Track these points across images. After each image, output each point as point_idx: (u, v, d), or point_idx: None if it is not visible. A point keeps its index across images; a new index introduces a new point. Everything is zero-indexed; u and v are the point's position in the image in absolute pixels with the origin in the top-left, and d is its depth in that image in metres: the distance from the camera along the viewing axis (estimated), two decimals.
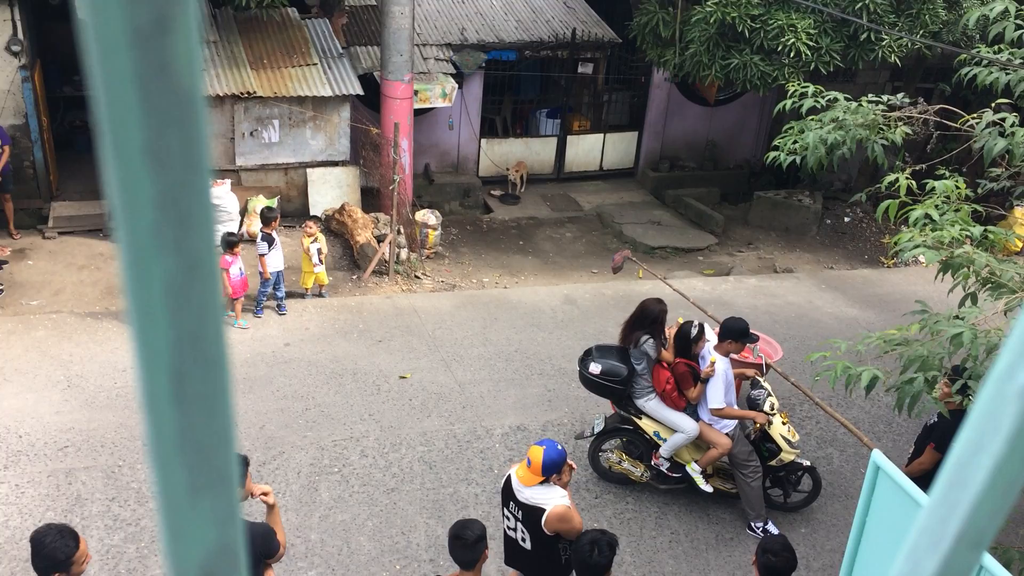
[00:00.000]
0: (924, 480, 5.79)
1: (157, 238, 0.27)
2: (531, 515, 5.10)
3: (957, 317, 4.75)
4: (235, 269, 9.26)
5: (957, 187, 5.42)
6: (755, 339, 7.13)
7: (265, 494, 4.47)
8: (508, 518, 5.26)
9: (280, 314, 9.84)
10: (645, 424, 6.98)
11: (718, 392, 6.64)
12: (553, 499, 5.08)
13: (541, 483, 5.08)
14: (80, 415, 7.74)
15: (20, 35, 11.03)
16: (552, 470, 5.03)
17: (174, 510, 0.31)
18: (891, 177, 5.55)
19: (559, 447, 5.15)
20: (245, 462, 4.43)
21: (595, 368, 6.91)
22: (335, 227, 11.77)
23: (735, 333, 6.67)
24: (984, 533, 0.41)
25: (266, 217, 9.63)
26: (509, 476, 5.21)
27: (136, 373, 0.30)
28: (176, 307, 0.28)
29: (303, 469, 7.23)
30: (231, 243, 9.23)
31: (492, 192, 14.54)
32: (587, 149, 15.52)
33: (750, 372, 7.36)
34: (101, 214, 11.66)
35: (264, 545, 4.31)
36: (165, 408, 0.29)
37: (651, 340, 6.71)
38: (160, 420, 0.30)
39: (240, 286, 9.37)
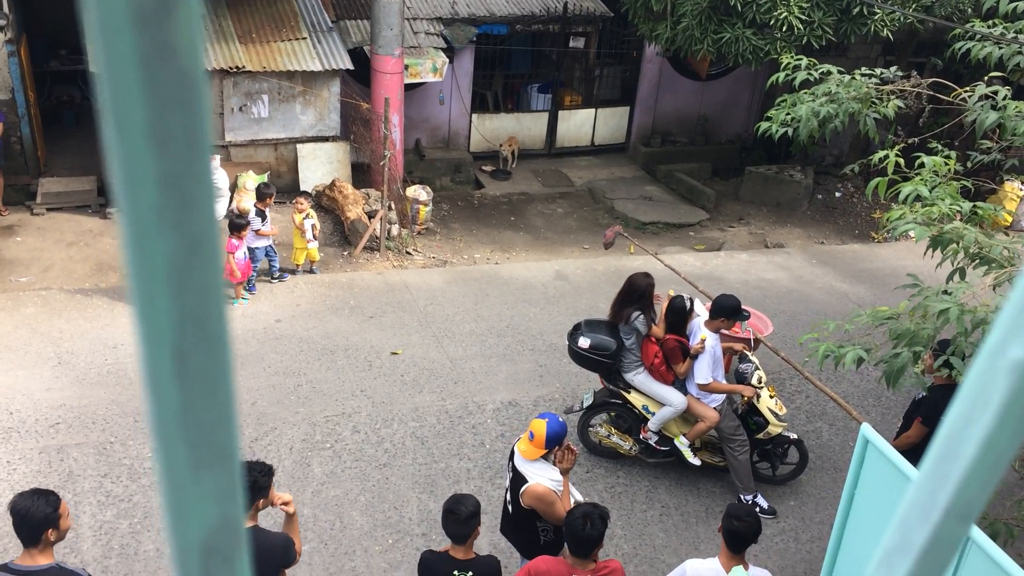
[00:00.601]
0: (912, 453, 5.85)
1: (159, 218, 0.27)
2: (517, 484, 5.22)
3: (945, 292, 4.78)
4: (240, 253, 9.23)
5: (946, 162, 5.43)
6: (746, 316, 7.16)
7: (286, 503, 4.47)
8: (506, 487, 5.42)
9: (281, 281, 9.86)
10: (634, 398, 7.03)
11: (705, 368, 6.68)
12: (542, 478, 5.13)
13: (542, 458, 5.14)
14: (71, 392, 7.74)
15: (5, 9, 10.89)
16: (555, 442, 5.12)
17: (176, 486, 0.32)
18: (881, 154, 5.55)
19: (560, 419, 5.25)
20: (270, 472, 4.43)
21: (584, 342, 6.94)
22: (325, 203, 11.72)
23: (727, 311, 6.69)
24: (973, 505, 0.41)
25: (262, 193, 9.59)
26: (514, 448, 5.30)
27: (138, 351, 0.30)
28: (178, 286, 0.28)
29: (295, 445, 7.26)
30: (239, 226, 9.16)
31: (483, 167, 14.49)
32: (579, 124, 15.46)
33: (738, 346, 7.39)
34: (89, 190, 11.58)
35: (284, 556, 4.34)
36: (167, 386, 0.30)
37: (641, 316, 6.74)
38: (162, 398, 0.30)
39: (245, 269, 9.36)
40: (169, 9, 0.25)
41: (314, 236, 10.00)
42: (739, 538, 4.53)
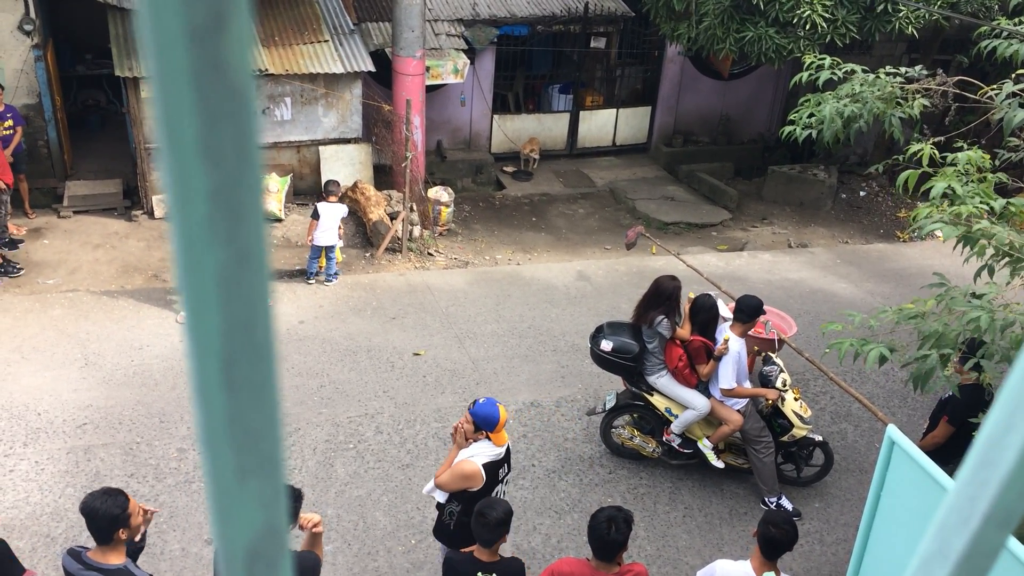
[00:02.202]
0: (937, 454, 5.79)
1: (210, 230, 0.28)
2: (508, 457, 5.31)
3: (974, 295, 4.72)
4: None
5: (982, 158, 5.37)
6: (762, 312, 7.10)
7: (315, 525, 4.47)
8: (504, 484, 5.41)
9: (329, 283, 10.07)
10: (656, 400, 7.00)
11: (729, 372, 6.63)
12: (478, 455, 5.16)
13: (486, 438, 5.16)
14: (98, 393, 7.82)
15: (32, 14, 11.03)
16: (485, 424, 5.15)
17: (223, 493, 0.32)
18: (914, 147, 5.49)
19: (480, 401, 5.22)
20: (299, 497, 4.44)
21: (606, 345, 6.92)
22: (348, 204, 11.77)
23: (749, 311, 6.65)
24: (1013, 513, 0.41)
25: (329, 189, 9.71)
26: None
27: (188, 360, 0.31)
28: (227, 296, 0.29)
29: (319, 445, 7.29)
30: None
31: (505, 168, 14.51)
32: (600, 124, 15.43)
33: (762, 346, 7.32)
34: (115, 193, 11.71)
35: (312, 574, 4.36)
36: (215, 394, 0.30)
37: (665, 320, 6.71)
38: (210, 405, 0.30)
39: None
40: (222, 26, 0.25)
41: (339, 236, 10.09)
42: (775, 545, 4.50)
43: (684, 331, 6.88)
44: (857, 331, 5.39)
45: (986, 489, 0.40)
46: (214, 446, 0.31)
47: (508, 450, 5.34)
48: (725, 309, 7.24)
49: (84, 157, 12.70)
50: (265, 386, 0.30)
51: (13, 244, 10.41)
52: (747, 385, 6.86)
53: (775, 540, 4.49)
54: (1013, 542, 3.46)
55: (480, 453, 5.10)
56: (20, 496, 6.55)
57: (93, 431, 7.33)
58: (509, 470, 5.41)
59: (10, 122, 10.59)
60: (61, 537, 6.17)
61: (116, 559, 4.09)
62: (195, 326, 0.29)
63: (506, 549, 4.90)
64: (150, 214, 11.34)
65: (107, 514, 4.00)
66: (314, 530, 4.44)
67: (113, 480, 6.79)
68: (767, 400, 6.87)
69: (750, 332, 6.92)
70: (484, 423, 5.11)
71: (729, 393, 6.69)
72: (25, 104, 11.36)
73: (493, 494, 5.14)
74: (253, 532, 0.32)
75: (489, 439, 5.15)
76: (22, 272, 9.90)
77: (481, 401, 5.21)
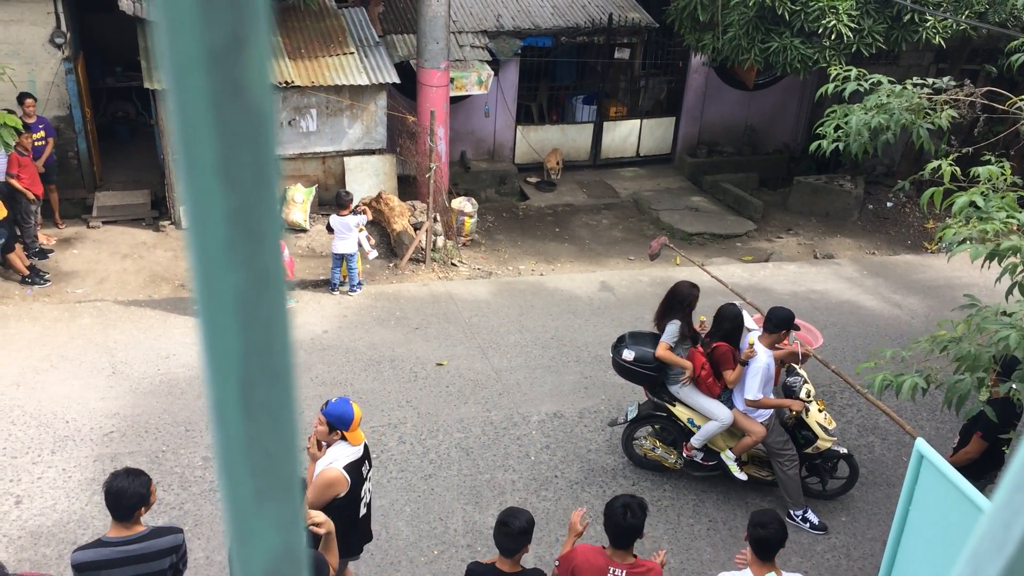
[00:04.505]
0: (969, 469, 5.70)
1: (229, 253, 0.27)
2: (368, 454, 5.15)
3: (1004, 313, 4.65)
4: (286, 252, 9.44)
5: (1003, 172, 5.30)
6: (796, 328, 7.02)
7: (318, 525, 4.51)
8: (369, 483, 5.24)
9: (352, 292, 10.10)
10: (679, 411, 6.95)
11: (757, 384, 6.56)
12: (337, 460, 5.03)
13: (342, 439, 5.01)
14: (125, 401, 7.89)
15: (63, 27, 11.21)
16: (338, 423, 4.98)
17: (241, 515, 0.32)
18: (934, 164, 5.44)
19: (333, 401, 5.07)
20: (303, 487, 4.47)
21: (628, 355, 6.89)
22: (372, 215, 11.83)
23: (780, 322, 6.57)
24: None
25: (344, 200, 9.73)
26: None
27: (206, 382, 0.30)
28: (245, 319, 0.28)
29: None
30: None
31: (528, 179, 14.52)
32: (624, 135, 15.42)
33: (784, 355, 7.21)
34: (143, 203, 11.84)
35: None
36: (233, 416, 0.30)
37: (676, 322, 6.66)
38: (228, 428, 0.30)
39: (290, 269, 9.58)
40: (240, 48, 0.25)
41: (371, 246, 10.19)
42: (765, 545, 4.47)
43: (661, 349, 6.75)
44: (889, 364, 5.33)
45: (1021, 515, 0.39)
46: (232, 469, 0.31)
47: (367, 448, 5.17)
48: (750, 320, 7.18)
49: (113, 168, 12.87)
50: (283, 409, 0.30)
51: (43, 254, 10.55)
52: (771, 397, 6.78)
53: (764, 540, 4.46)
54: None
55: (339, 457, 4.90)
56: (48, 503, 6.62)
57: (120, 439, 7.39)
58: (371, 467, 5.24)
59: (41, 133, 10.76)
60: (85, 537, 6.22)
61: (139, 528, 4.24)
62: (213, 349, 0.28)
63: (528, 560, 4.88)
64: (177, 225, 11.45)
65: (135, 493, 4.15)
66: (315, 530, 4.46)
67: None
68: (791, 411, 6.80)
69: (778, 345, 6.85)
70: (338, 422, 4.92)
71: (754, 404, 6.63)
72: (56, 116, 11.53)
73: (361, 493, 5.00)
74: (272, 555, 0.32)
75: (345, 439, 4.96)
76: (50, 282, 10.03)
77: (333, 400, 5.03)
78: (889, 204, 14.27)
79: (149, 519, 6.55)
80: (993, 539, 0.41)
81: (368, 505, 5.26)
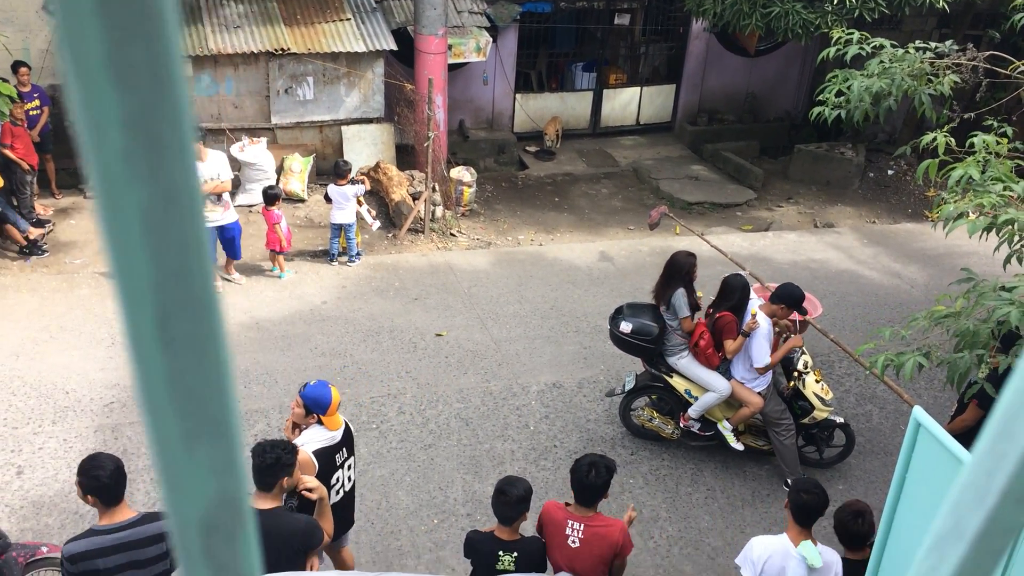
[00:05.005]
0: (965, 438, 5.71)
1: (128, 164, 0.25)
2: (349, 436, 5.12)
3: (1003, 288, 4.63)
4: (284, 223, 9.41)
5: (999, 141, 5.26)
6: (804, 311, 6.99)
7: (310, 490, 4.51)
8: (346, 469, 5.17)
9: (351, 263, 10.06)
10: (676, 382, 6.95)
11: (764, 349, 6.53)
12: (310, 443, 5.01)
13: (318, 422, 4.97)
14: (124, 372, 7.90)
15: None
16: (315, 406, 4.96)
17: (169, 460, 0.30)
18: (930, 136, 5.40)
19: (311, 384, 5.03)
20: (294, 451, 4.45)
21: (626, 327, 6.87)
22: (370, 185, 11.77)
23: (789, 299, 6.53)
24: None
25: (342, 169, 9.65)
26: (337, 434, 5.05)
27: (118, 314, 0.28)
28: (156, 242, 0.26)
29: None
30: (274, 196, 9.31)
31: (527, 148, 14.43)
32: (624, 103, 15.30)
33: (785, 323, 7.20)
34: None
35: (305, 540, 4.37)
36: (151, 352, 0.28)
37: (681, 291, 6.64)
38: (147, 365, 0.28)
39: (288, 239, 9.53)
40: None
41: (373, 217, 10.16)
42: (807, 511, 4.49)
43: (689, 324, 6.75)
44: (890, 344, 5.33)
45: (1004, 463, 0.38)
46: (155, 410, 0.29)
47: (348, 435, 5.09)
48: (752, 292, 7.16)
49: None
50: (207, 343, 0.28)
51: (40, 224, 10.51)
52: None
53: (807, 506, 4.47)
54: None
55: (310, 440, 4.82)
56: (49, 473, 6.64)
57: (120, 410, 7.41)
58: (350, 455, 5.13)
59: (37, 102, 10.67)
60: (89, 514, 6.25)
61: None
62: (121, 276, 0.26)
63: (527, 528, 4.91)
64: None
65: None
66: (307, 495, 4.48)
67: (140, 458, 6.87)
68: (789, 382, 6.81)
69: (779, 319, 6.81)
70: (315, 406, 4.87)
71: (765, 369, 6.58)
72: (51, 84, 11.44)
73: (332, 480, 4.91)
74: (206, 502, 0.30)
75: (321, 423, 4.90)
76: (47, 252, 10.00)
77: (312, 383, 4.96)
78: (890, 172, 14.20)
79: (152, 489, 6.59)
80: (975, 490, 0.39)
81: (348, 493, 5.17)
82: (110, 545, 4.04)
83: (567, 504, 4.73)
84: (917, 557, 0.42)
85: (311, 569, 4.49)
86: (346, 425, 5.10)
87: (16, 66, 10.45)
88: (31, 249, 9.91)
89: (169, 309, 0.27)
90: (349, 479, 5.16)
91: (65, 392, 7.57)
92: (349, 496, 5.22)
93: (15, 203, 10.08)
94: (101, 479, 4.08)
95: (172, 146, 0.26)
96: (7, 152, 9.76)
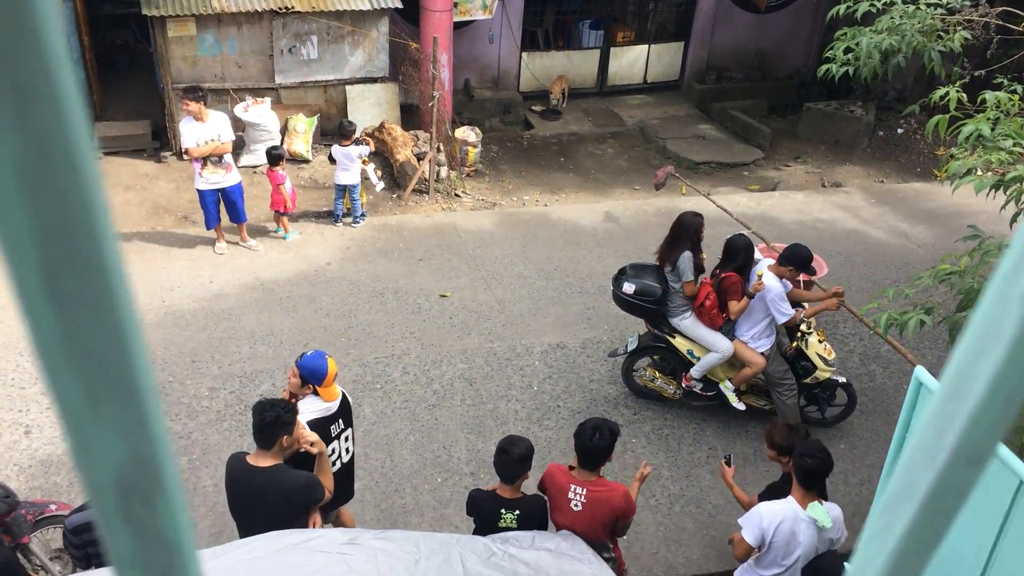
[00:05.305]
0: None
1: None
2: (346, 407, 5.13)
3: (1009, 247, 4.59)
4: (288, 184, 9.38)
5: (1011, 98, 5.18)
6: (812, 272, 6.91)
7: (312, 444, 4.54)
8: (342, 440, 5.13)
9: (356, 224, 10.04)
10: (678, 342, 6.95)
11: (785, 307, 6.45)
12: (338, 388, 5.06)
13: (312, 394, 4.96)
14: None
15: None
16: (311, 377, 4.93)
17: (74, 422, 0.29)
18: (941, 91, 5.32)
19: (308, 354, 4.99)
20: (293, 410, 4.46)
21: (628, 287, 6.85)
22: (375, 145, 11.70)
23: (796, 260, 6.44)
24: (983, 448, 0.37)
25: (346, 130, 9.58)
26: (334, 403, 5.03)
27: (5, 271, 0.27)
28: (34, 195, 0.25)
29: (346, 386, 7.34)
30: (278, 157, 9.26)
31: (533, 107, 14.31)
32: (631, 61, 15.13)
33: (832, 304, 7.08)
34: (144, 134, 11.74)
35: (305, 495, 4.42)
36: (42, 310, 0.27)
37: (687, 253, 6.59)
38: (39, 324, 0.27)
39: (293, 200, 9.51)
40: None
41: (378, 178, 10.12)
42: (812, 475, 4.51)
43: (691, 288, 6.69)
44: (894, 303, 5.30)
45: (954, 423, 0.37)
46: (53, 370, 0.28)
47: (345, 406, 5.07)
48: (756, 251, 7.12)
49: (113, 98, 12.71)
50: (102, 300, 0.27)
51: None
52: (763, 324, 6.67)
53: (811, 470, 4.49)
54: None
55: (305, 410, 4.80)
56: (56, 433, 6.71)
57: None
58: (347, 427, 5.10)
59: None
60: None
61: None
62: (3, 231, 0.25)
63: (529, 487, 4.95)
64: (179, 155, 11.36)
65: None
66: (308, 448, 4.51)
67: None
68: (791, 342, 6.80)
69: (788, 280, 6.74)
70: (311, 376, 4.84)
71: (790, 322, 6.53)
72: None
73: (328, 452, 4.87)
74: (118, 464, 0.30)
75: (317, 394, 4.89)
76: None
77: (309, 353, 4.94)
78: (900, 131, 14.05)
79: None
80: (925, 450, 0.38)
81: (346, 465, 5.15)
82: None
83: (571, 467, 4.74)
84: (870, 516, 0.42)
85: (313, 526, 4.54)
86: (343, 396, 5.07)
87: None
88: None
89: (56, 266, 0.26)
90: (347, 451, 5.14)
91: None
92: (347, 468, 5.20)
93: None
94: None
95: (42, 88, 0.24)
96: None
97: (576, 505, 4.61)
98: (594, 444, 4.57)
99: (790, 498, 4.57)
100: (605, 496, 4.61)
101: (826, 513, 4.50)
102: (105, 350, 0.28)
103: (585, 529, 4.61)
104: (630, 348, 7.19)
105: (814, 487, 4.55)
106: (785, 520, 4.49)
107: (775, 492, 5.00)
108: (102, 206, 0.27)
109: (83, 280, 0.27)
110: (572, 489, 4.63)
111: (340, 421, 5.02)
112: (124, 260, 0.29)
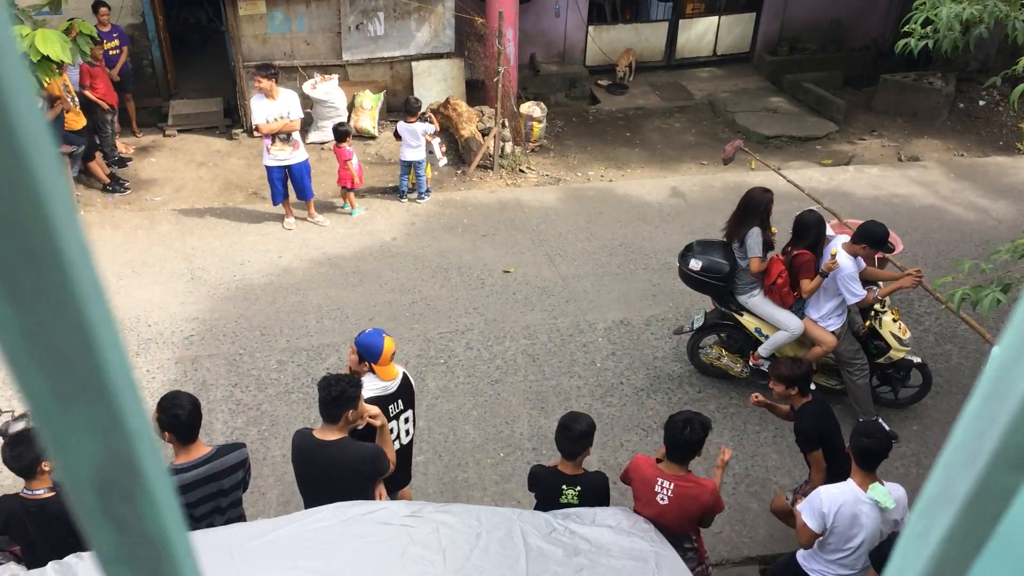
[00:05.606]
0: None
1: None
2: (407, 387, 5.09)
3: None
4: (355, 159, 9.48)
5: None
6: (891, 249, 6.66)
7: (374, 417, 4.60)
8: (401, 421, 5.09)
9: (420, 200, 10.11)
10: (746, 320, 6.83)
11: (856, 287, 6.28)
12: (399, 368, 5.05)
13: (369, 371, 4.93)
14: (203, 306, 8.15)
15: None
16: (368, 355, 4.92)
17: (46, 420, 0.29)
18: None
19: (366, 332, 5.00)
20: (358, 384, 4.52)
21: (695, 264, 6.74)
22: (440, 121, 11.73)
23: (871, 238, 6.21)
24: None
25: (412, 107, 9.61)
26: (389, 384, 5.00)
27: None
28: None
29: (410, 360, 7.45)
30: (344, 133, 9.36)
31: (599, 82, 14.15)
32: (700, 33, 14.83)
33: (907, 283, 6.87)
34: (216, 111, 11.98)
35: (373, 466, 4.49)
36: (2, 307, 0.26)
37: (756, 229, 6.44)
38: (1, 322, 0.27)
39: (360, 176, 9.61)
40: None
41: (441, 153, 10.14)
42: (870, 456, 4.38)
43: (757, 264, 6.53)
44: (969, 278, 5.11)
45: (995, 425, 0.34)
46: (19, 368, 0.27)
47: (405, 387, 5.03)
48: (829, 229, 6.93)
49: (187, 76, 12.99)
50: (62, 298, 0.26)
51: (122, 162, 10.82)
52: (835, 302, 6.49)
53: (869, 450, 4.37)
54: None
55: (364, 388, 4.73)
56: None
57: (199, 342, 7.67)
58: (408, 408, 5.06)
59: (116, 42, 10.88)
60: (167, 448, 6.53)
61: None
62: None
63: (591, 463, 4.94)
64: (249, 132, 11.56)
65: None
66: (372, 421, 4.58)
67: (218, 389, 7.12)
68: (865, 322, 6.62)
69: (862, 258, 6.53)
70: (367, 354, 4.83)
71: (863, 303, 6.37)
72: (130, 24, 11.64)
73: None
74: (95, 462, 0.29)
75: (374, 372, 4.87)
76: (129, 190, 10.30)
77: (368, 331, 4.94)
78: (981, 103, 13.49)
79: (230, 419, 6.85)
80: (964, 452, 0.36)
81: (404, 447, 5.14)
82: (190, 482, 4.21)
83: (658, 460, 4.66)
84: (910, 518, 0.39)
85: (379, 497, 4.62)
86: (405, 378, 5.06)
87: (96, 6, 10.65)
88: (113, 187, 10.22)
89: (11, 263, 0.25)
90: (407, 432, 5.14)
91: (148, 325, 7.86)
92: (406, 450, 5.20)
93: (98, 142, 10.37)
94: (180, 418, 4.23)
95: None
96: (88, 93, 10.00)
97: (663, 499, 4.51)
98: (685, 437, 4.45)
99: (850, 481, 4.46)
100: (694, 492, 4.51)
101: (887, 493, 4.38)
102: (70, 347, 0.27)
103: (671, 523, 4.52)
104: (696, 325, 7.10)
105: (872, 468, 4.43)
106: (846, 503, 4.39)
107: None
108: (60, 200, 0.26)
109: (40, 278, 0.26)
110: (659, 482, 4.52)
111: (399, 402, 5.03)
112: (91, 254, 0.28)
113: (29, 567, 4.07)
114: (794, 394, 5.22)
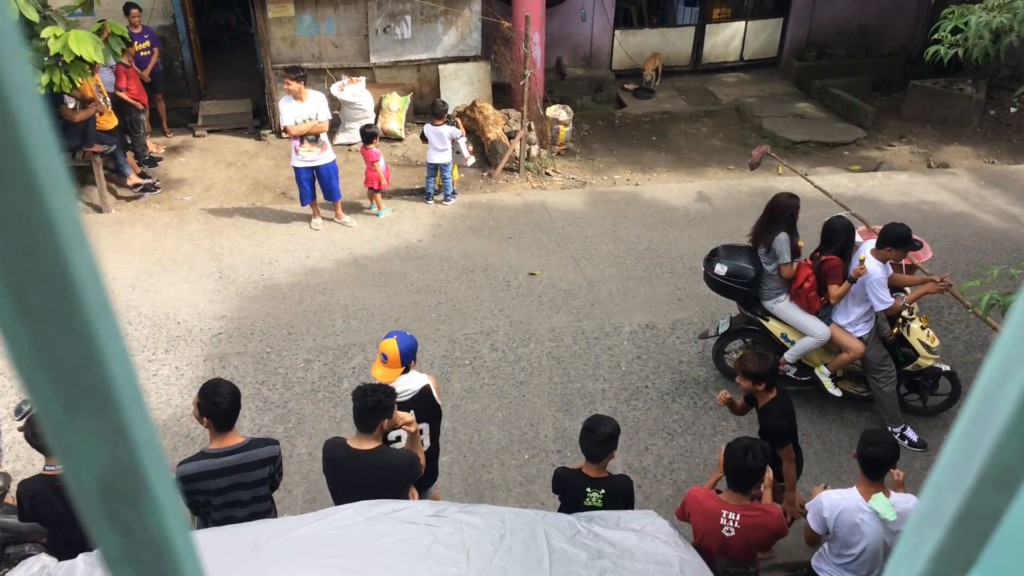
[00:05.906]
0: None
1: None
2: (423, 401, 4.99)
3: None
4: (382, 161, 9.56)
5: None
6: (918, 246, 6.60)
7: (408, 423, 4.65)
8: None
9: (447, 202, 10.16)
10: (772, 326, 6.80)
11: (883, 293, 6.24)
12: (422, 378, 5.02)
13: (403, 373, 4.93)
14: (231, 304, 8.26)
15: None
16: (410, 356, 4.93)
17: (56, 429, 0.31)
18: None
19: (408, 333, 5.05)
20: (393, 394, 4.56)
21: (720, 269, 6.73)
22: (466, 124, 11.78)
23: (894, 239, 6.16)
24: (1013, 473, 0.37)
25: (439, 109, 9.66)
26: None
27: None
28: None
29: (436, 360, 7.50)
30: (371, 135, 9.44)
31: (625, 86, 14.14)
32: (727, 38, 14.78)
33: (933, 288, 6.79)
34: (245, 112, 12.11)
35: (410, 472, 4.55)
36: (12, 324, 0.30)
37: (783, 235, 6.42)
38: (14, 339, 0.30)
39: (387, 177, 9.70)
40: None
41: (469, 153, 10.20)
42: (875, 464, 4.32)
43: (789, 269, 6.51)
44: (997, 283, 5.07)
45: (981, 446, 0.37)
46: (31, 383, 0.31)
47: (423, 399, 4.96)
48: (857, 235, 6.89)
49: (217, 77, 13.15)
50: (69, 314, 0.30)
51: (152, 162, 10.97)
52: (862, 308, 6.45)
53: (874, 459, 4.31)
54: None
55: None
56: (162, 399, 7.05)
57: (227, 340, 7.76)
58: (423, 421, 4.97)
59: (147, 43, 11.04)
60: (200, 438, 6.62)
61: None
62: None
63: (616, 466, 4.95)
64: (277, 134, 11.69)
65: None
66: (406, 428, 4.62)
67: (245, 387, 7.20)
68: (892, 328, 6.57)
69: (893, 262, 6.49)
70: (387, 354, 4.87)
71: (891, 310, 6.33)
72: (160, 25, 11.80)
73: (391, 438, 4.85)
74: (101, 469, 0.32)
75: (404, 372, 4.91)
76: (160, 189, 10.45)
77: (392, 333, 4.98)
78: (1013, 109, 13.33)
79: (257, 416, 6.94)
80: (952, 472, 0.38)
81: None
82: (219, 468, 4.28)
83: (718, 491, 4.59)
84: (902, 535, 0.42)
85: (412, 499, 4.67)
86: (425, 390, 5.00)
87: (128, 8, 10.81)
88: (144, 186, 10.37)
89: (23, 284, 0.28)
90: (422, 444, 5.06)
91: (177, 323, 7.97)
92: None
93: (129, 141, 10.53)
94: (220, 406, 4.31)
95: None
96: (122, 95, 10.16)
97: (729, 531, 4.41)
98: (748, 465, 4.32)
99: (854, 488, 4.43)
100: (761, 520, 4.40)
101: (889, 505, 4.30)
102: (77, 362, 0.30)
103: (738, 553, 4.45)
104: (721, 330, 7.09)
105: (878, 477, 4.37)
106: (846, 510, 4.35)
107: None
108: (71, 224, 0.29)
109: (49, 297, 0.29)
110: (724, 515, 4.41)
111: (412, 413, 4.95)
112: (100, 274, 0.31)
113: (54, 551, 4.17)
114: (761, 389, 5.21)
